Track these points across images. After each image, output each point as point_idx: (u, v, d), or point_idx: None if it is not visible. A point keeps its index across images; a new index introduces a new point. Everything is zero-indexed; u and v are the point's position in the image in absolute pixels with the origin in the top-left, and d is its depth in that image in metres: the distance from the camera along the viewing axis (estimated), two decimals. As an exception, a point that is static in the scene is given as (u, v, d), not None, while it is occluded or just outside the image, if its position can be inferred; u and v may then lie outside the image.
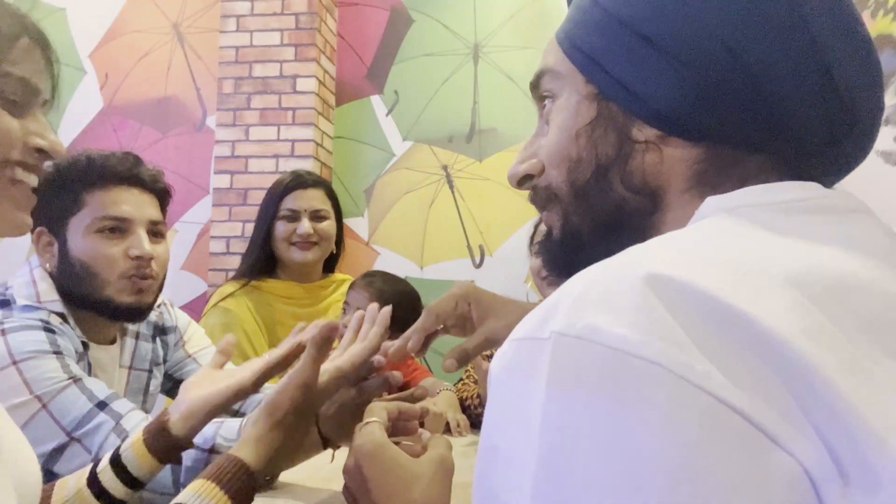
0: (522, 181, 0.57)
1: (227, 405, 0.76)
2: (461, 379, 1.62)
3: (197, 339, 1.29)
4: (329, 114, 2.85)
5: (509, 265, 2.70)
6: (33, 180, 0.64)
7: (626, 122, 0.47)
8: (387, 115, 2.87)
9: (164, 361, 1.24)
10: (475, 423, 1.43)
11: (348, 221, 2.83)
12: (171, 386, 1.27)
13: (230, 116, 2.74)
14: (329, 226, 1.75)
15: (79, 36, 3.09)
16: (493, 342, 0.82)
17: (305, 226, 1.69)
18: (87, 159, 1.06)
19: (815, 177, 0.44)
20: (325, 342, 0.73)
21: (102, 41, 3.09)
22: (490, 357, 1.24)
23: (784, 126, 0.43)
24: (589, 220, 0.50)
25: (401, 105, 2.86)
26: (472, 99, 2.81)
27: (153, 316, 1.20)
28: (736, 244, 0.37)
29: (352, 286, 1.68)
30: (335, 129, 2.90)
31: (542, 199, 0.54)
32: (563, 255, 0.53)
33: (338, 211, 1.80)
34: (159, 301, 1.23)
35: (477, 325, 0.84)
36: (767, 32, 0.43)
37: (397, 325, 1.66)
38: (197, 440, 0.97)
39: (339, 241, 1.83)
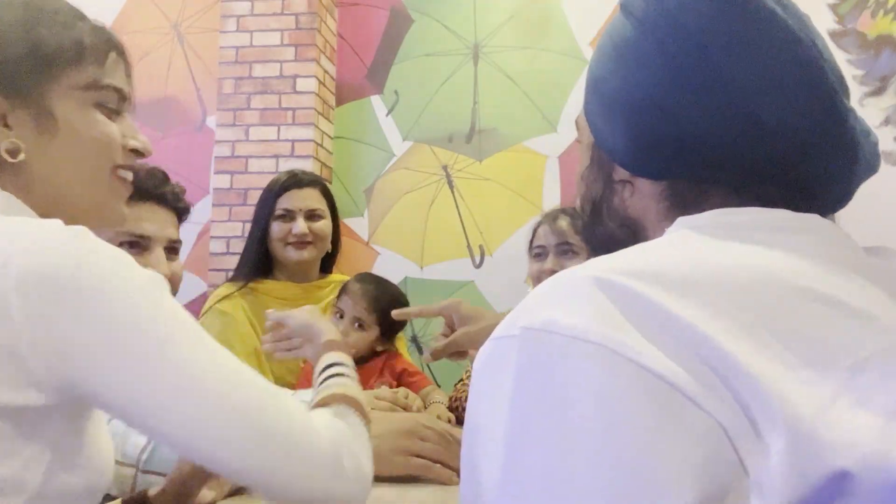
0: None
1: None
2: (461, 379, 1.62)
3: None
4: (329, 114, 2.85)
5: (509, 265, 2.70)
6: (130, 177, 0.72)
7: (609, 165, 0.57)
8: (387, 115, 2.87)
9: None
10: None
11: (348, 221, 2.83)
12: None
13: (230, 116, 2.74)
14: (324, 225, 1.74)
15: (79, 36, 3.09)
16: (461, 344, 1.02)
17: (300, 225, 1.69)
18: None
19: (780, 205, 0.49)
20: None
21: (102, 41, 3.09)
22: None
23: (725, 165, 0.50)
24: (599, 247, 0.59)
25: (401, 105, 2.87)
26: (472, 99, 2.81)
27: None
28: (675, 252, 0.44)
29: (344, 291, 1.66)
30: (335, 129, 2.90)
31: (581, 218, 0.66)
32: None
33: (333, 210, 1.79)
34: None
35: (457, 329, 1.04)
36: (688, 91, 0.49)
37: (386, 330, 1.67)
38: None
39: (336, 241, 1.83)
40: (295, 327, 1.00)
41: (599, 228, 0.59)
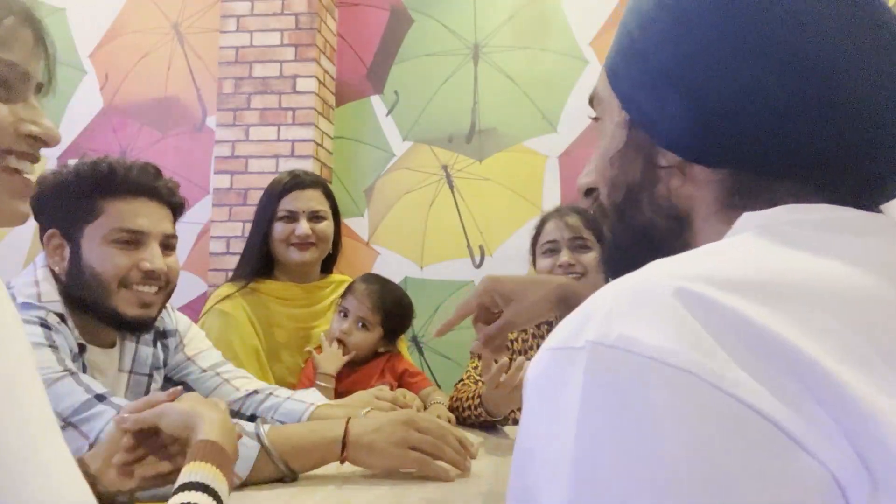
0: (587, 193, 0.58)
1: None
2: (461, 380, 1.62)
3: (196, 342, 1.29)
4: (329, 114, 2.85)
5: (509, 265, 2.70)
6: (28, 168, 0.61)
7: (652, 148, 0.49)
8: (387, 115, 2.87)
9: (165, 365, 1.24)
10: (474, 424, 1.43)
11: (348, 221, 2.83)
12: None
13: (230, 116, 2.74)
14: (327, 226, 1.74)
15: (79, 36, 3.09)
16: (514, 325, 0.90)
17: (304, 227, 1.69)
18: (108, 167, 1.06)
19: (848, 200, 0.45)
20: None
21: (102, 41, 3.09)
22: (497, 361, 1.30)
23: (800, 152, 0.44)
24: (628, 239, 0.54)
25: (401, 105, 2.87)
26: (472, 99, 2.81)
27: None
28: (763, 262, 0.38)
29: (350, 290, 1.67)
30: (335, 129, 2.90)
31: (598, 212, 0.57)
32: (613, 267, 0.57)
33: (335, 211, 1.79)
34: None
35: (503, 309, 0.91)
36: (771, 64, 0.43)
37: (390, 331, 1.68)
38: (289, 419, 1.17)
39: (337, 242, 1.83)
40: (169, 428, 0.78)
41: (636, 219, 0.52)
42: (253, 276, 1.72)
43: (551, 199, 2.71)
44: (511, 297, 0.89)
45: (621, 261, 0.54)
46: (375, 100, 2.89)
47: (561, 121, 2.74)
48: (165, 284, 1.11)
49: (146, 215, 1.07)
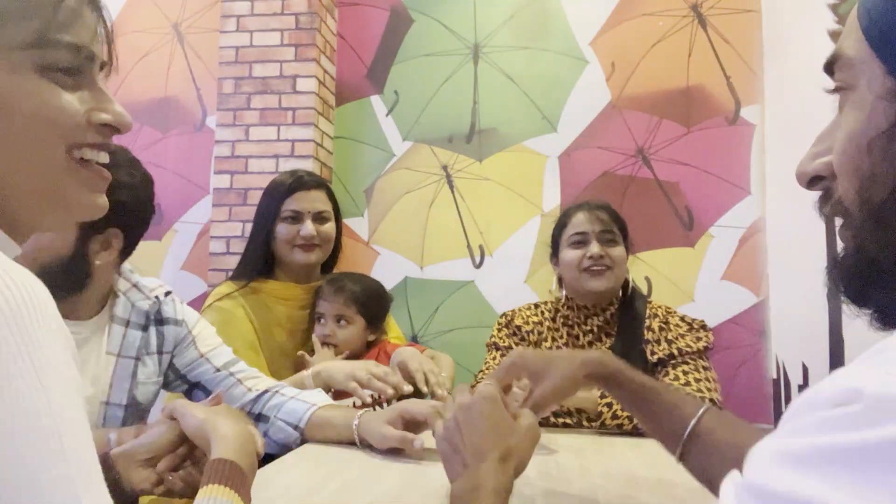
0: (812, 182, 0.47)
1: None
2: (481, 370, 1.63)
3: (207, 338, 1.29)
4: (329, 114, 2.85)
5: (509, 265, 2.70)
6: (104, 157, 0.59)
7: None
8: (387, 115, 2.88)
9: (161, 352, 1.23)
10: None
11: (348, 221, 2.83)
12: (187, 388, 1.27)
13: (230, 116, 2.74)
14: (331, 227, 1.75)
15: (79, 36, 3.09)
16: (541, 407, 0.87)
17: (309, 227, 1.69)
18: None
19: None
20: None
21: (102, 41, 3.09)
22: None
23: None
24: (891, 251, 0.40)
25: (401, 105, 2.87)
26: (472, 99, 2.81)
27: (145, 305, 1.20)
28: None
29: (319, 294, 1.69)
30: (335, 129, 2.90)
31: (833, 209, 0.45)
32: (856, 283, 0.44)
33: (337, 212, 1.80)
34: (164, 290, 1.24)
35: (532, 384, 0.90)
36: None
37: (371, 318, 1.70)
38: (290, 419, 1.20)
39: (338, 243, 1.83)
40: (186, 430, 0.80)
41: None
42: (254, 276, 1.72)
43: (551, 199, 2.71)
44: (538, 375, 0.87)
45: (868, 278, 0.42)
46: (375, 100, 2.89)
47: (561, 121, 2.74)
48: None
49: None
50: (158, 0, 3.06)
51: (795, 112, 2.27)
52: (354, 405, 1.37)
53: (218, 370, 1.27)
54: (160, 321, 1.23)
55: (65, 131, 0.55)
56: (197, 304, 2.78)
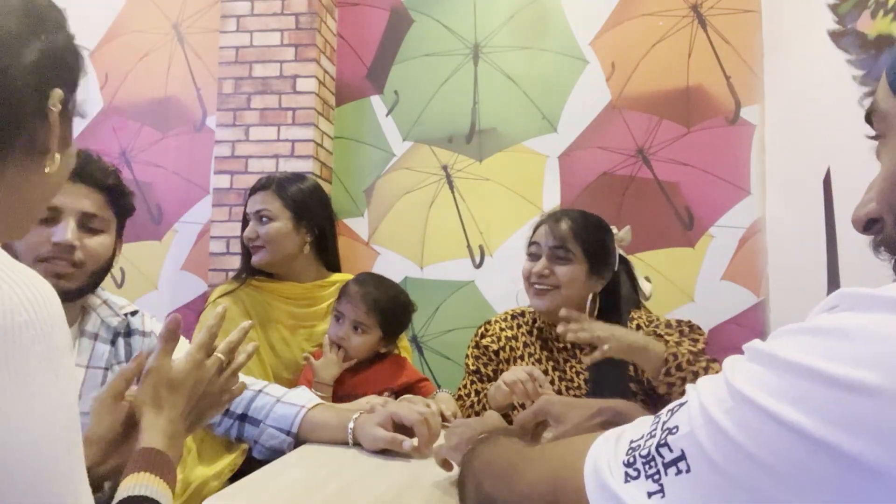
0: (867, 226, 0.50)
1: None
2: (460, 395, 1.61)
3: (182, 347, 1.30)
4: (329, 114, 2.85)
5: (509, 265, 2.70)
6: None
7: None
8: (387, 115, 2.87)
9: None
10: None
11: (348, 221, 2.83)
12: None
13: (230, 116, 2.74)
14: (273, 227, 1.70)
15: (79, 36, 3.06)
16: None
17: (249, 229, 1.73)
18: None
19: None
20: (171, 334, 0.88)
21: (102, 41, 3.09)
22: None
23: None
24: None
25: (401, 105, 2.87)
26: (472, 99, 2.81)
27: (114, 321, 1.21)
28: None
29: (344, 293, 1.65)
30: (335, 129, 2.90)
31: (887, 246, 0.47)
32: None
33: (304, 210, 1.74)
34: (130, 309, 1.25)
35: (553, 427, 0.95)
36: None
37: (389, 332, 1.66)
38: (282, 425, 1.22)
39: (334, 239, 1.83)
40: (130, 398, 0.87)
41: None
42: (252, 275, 1.74)
43: (551, 199, 2.71)
44: (559, 419, 0.91)
45: None
46: (375, 100, 2.89)
47: (561, 121, 2.74)
48: (81, 263, 1.11)
49: (65, 193, 1.10)
50: (158, 0, 3.06)
51: (795, 112, 2.27)
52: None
53: None
54: (128, 333, 1.25)
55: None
56: (197, 304, 2.79)
